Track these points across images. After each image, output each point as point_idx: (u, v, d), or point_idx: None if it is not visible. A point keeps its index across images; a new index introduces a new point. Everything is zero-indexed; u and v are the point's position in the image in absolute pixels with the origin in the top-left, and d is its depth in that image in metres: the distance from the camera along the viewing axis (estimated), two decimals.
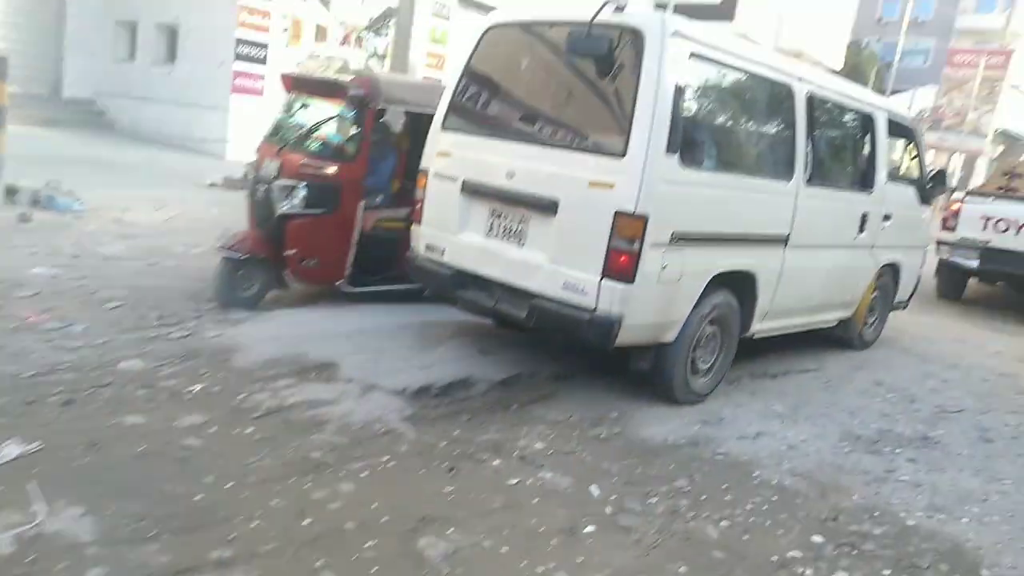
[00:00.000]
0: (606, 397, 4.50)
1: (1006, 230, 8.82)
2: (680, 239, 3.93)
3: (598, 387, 4.66)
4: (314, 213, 5.10)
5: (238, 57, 11.40)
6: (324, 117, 5.38)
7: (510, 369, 4.61)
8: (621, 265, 3.76)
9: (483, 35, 4.54)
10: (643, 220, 3.71)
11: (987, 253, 8.89)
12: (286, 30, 12.32)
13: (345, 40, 13.34)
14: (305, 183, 5.05)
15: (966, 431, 4.75)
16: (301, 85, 5.68)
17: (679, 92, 3.77)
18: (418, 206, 4.70)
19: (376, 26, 13.71)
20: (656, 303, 3.97)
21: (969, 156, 32.14)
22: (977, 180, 32.43)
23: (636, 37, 3.77)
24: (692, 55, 3.89)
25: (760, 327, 4.89)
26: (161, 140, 12.80)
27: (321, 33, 12.89)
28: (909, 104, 32.01)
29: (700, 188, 4.05)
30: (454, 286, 4.46)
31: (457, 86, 4.59)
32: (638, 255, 3.74)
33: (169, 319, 4.83)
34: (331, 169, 5.13)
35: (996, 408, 5.27)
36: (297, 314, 5.26)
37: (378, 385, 4.13)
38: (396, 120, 6.03)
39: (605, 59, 3.83)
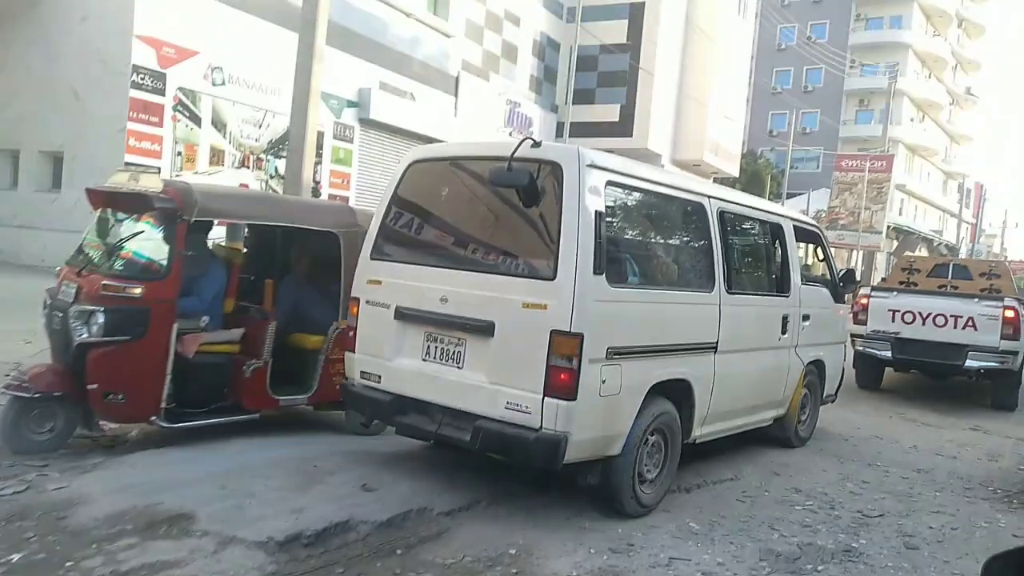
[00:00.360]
0: (506, 528, 4.06)
1: (912, 321, 9.25)
2: (616, 354, 4.02)
3: (499, 517, 4.23)
4: (118, 340, 4.52)
5: None
6: (130, 233, 4.91)
7: (397, 506, 4.11)
8: (562, 382, 3.81)
9: (406, 169, 4.69)
10: (579, 337, 3.80)
11: (898, 343, 9.30)
12: (179, 154, 12.01)
13: (244, 162, 13.10)
14: (104, 308, 4.48)
15: (889, 538, 4.47)
16: (107, 200, 5.18)
17: (600, 217, 3.95)
18: (351, 334, 4.70)
19: (276, 148, 13.56)
20: (600, 417, 4.01)
21: (867, 251, 33.90)
22: (879, 272, 34.14)
23: (555, 169, 3.99)
24: (608, 183, 4.12)
25: (701, 432, 4.97)
26: (45, 269, 12.10)
27: (217, 156, 12.64)
28: (806, 207, 33.94)
29: (628, 304, 4.19)
30: (393, 412, 4.43)
31: (384, 217, 4.70)
32: (577, 372, 3.80)
33: (5, 471, 4.19)
34: (136, 290, 4.58)
35: (917, 509, 5.04)
36: (160, 455, 4.67)
37: (238, 537, 3.58)
38: (235, 233, 5.72)
39: (528, 190, 4.00)
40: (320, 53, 9.19)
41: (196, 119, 12.29)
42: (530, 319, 3.91)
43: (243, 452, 4.78)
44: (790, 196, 39.16)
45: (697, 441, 5.00)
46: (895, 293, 9.78)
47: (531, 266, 4.07)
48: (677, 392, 4.61)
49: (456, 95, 18.89)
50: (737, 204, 5.47)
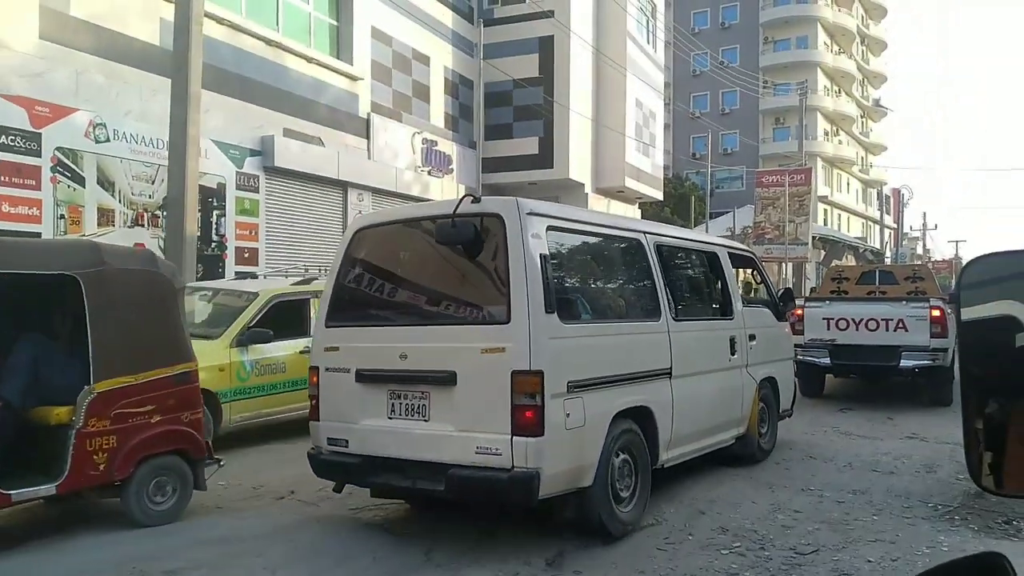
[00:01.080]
0: None
1: (847, 327, 9.57)
2: (576, 387, 4.17)
3: None
4: None
5: None
6: None
7: None
8: (527, 420, 3.92)
9: (351, 237, 4.85)
10: (539, 375, 3.94)
11: (835, 350, 9.63)
12: (62, 217, 11.16)
13: (138, 220, 12.30)
14: None
15: None
16: None
17: (544, 260, 4.13)
18: (313, 402, 4.74)
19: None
20: (568, 450, 4.11)
21: (796, 263, 34.37)
22: (810, 282, 34.64)
23: (497, 220, 4.17)
24: (549, 228, 4.32)
25: (668, 456, 5.09)
26: None
27: (107, 216, 11.82)
28: (732, 224, 34.34)
29: (582, 339, 4.37)
30: (364, 474, 4.49)
31: (335, 284, 4.79)
32: (542, 408, 3.92)
33: None
34: None
35: (854, 539, 4.59)
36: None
37: None
38: None
39: (473, 243, 4.20)
40: (196, 100, 8.63)
41: (79, 179, 11.45)
42: (490, 363, 4.03)
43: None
44: (716, 215, 39.74)
45: (665, 465, 5.08)
46: (828, 302, 10.09)
47: (486, 313, 4.24)
48: (640, 419, 4.74)
49: (368, 137, 18.38)
50: (673, 237, 5.77)
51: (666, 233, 5.74)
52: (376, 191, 18.32)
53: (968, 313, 1.07)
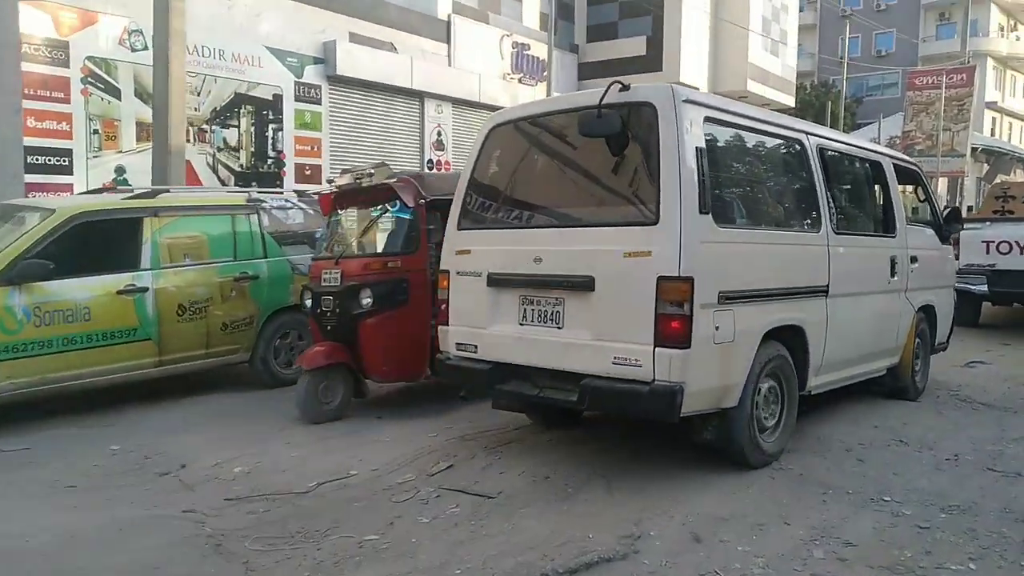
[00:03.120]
0: None
1: (1008, 251, 8.91)
2: (727, 298, 3.85)
3: None
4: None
5: (31, 169, 9.62)
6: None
7: None
8: (674, 330, 3.64)
9: (487, 135, 4.64)
10: (689, 281, 3.64)
11: (994, 276, 8.98)
12: (96, 132, 10.56)
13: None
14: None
15: None
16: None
17: (701, 154, 3.79)
18: (443, 307, 4.62)
19: (222, 116, 12.00)
20: (714, 366, 3.83)
21: (951, 178, 30.21)
22: (967, 200, 30.47)
23: (649, 110, 3.83)
24: (707, 119, 3.95)
25: (816, 382, 4.77)
26: None
27: (146, 131, 11.13)
28: (876, 135, 30.40)
29: (737, 245, 4.00)
30: (493, 381, 4.31)
31: (468, 186, 4.62)
32: (690, 318, 3.63)
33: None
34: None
35: None
36: None
37: None
38: None
39: (620, 135, 3.88)
40: None
41: (114, 91, 10.79)
42: (633, 268, 3.74)
43: None
44: (859, 126, 35.60)
45: (812, 392, 4.76)
46: (988, 223, 9.40)
47: (630, 213, 3.87)
48: (790, 339, 4.41)
49: (449, 42, 16.90)
50: (836, 141, 5.33)
51: (830, 136, 5.27)
52: (457, 102, 16.94)
53: None
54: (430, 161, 16.64)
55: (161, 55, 7.36)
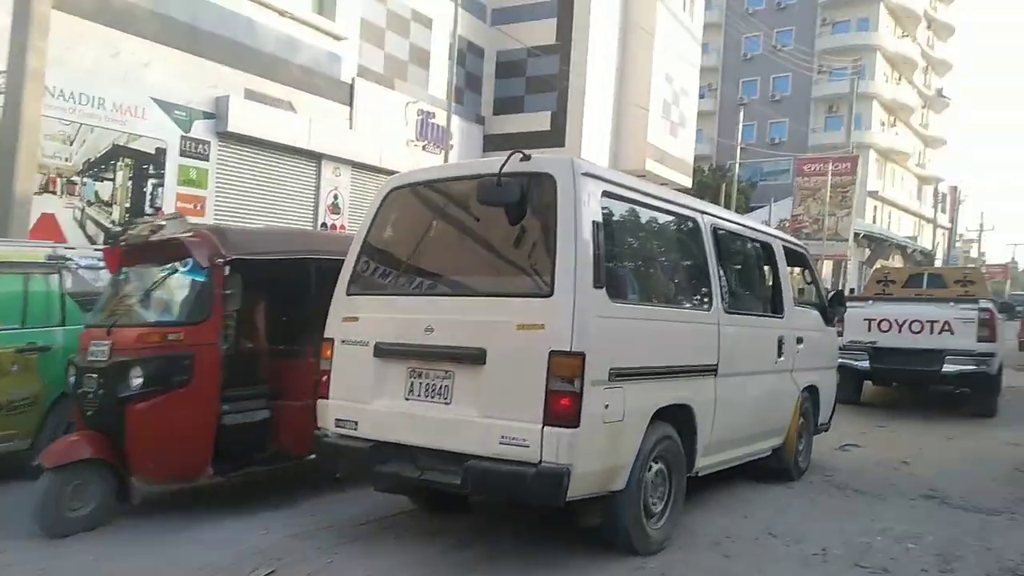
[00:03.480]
0: None
1: (889, 329, 9.23)
2: (618, 375, 3.78)
3: None
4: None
5: None
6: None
7: None
8: (563, 408, 3.53)
9: (384, 198, 4.53)
10: (580, 357, 3.56)
11: (875, 353, 9.25)
12: None
13: (49, 186, 10.79)
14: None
15: None
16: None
17: (597, 227, 3.76)
18: (323, 378, 4.39)
19: (96, 168, 11.30)
20: (603, 447, 3.73)
21: (836, 261, 31.84)
22: (850, 283, 32.04)
23: (548, 181, 3.82)
24: (604, 193, 3.95)
25: (704, 463, 4.75)
26: None
27: None
28: (767, 217, 31.84)
29: (629, 321, 3.95)
30: (372, 462, 4.05)
31: (361, 248, 4.48)
32: (580, 395, 3.54)
33: None
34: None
35: None
36: None
37: None
38: None
39: (519, 205, 3.82)
40: (41, 22, 6.92)
41: None
42: (526, 341, 3.66)
43: None
44: (756, 208, 37.25)
45: (700, 473, 4.75)
46: (870, 302, 9.76)
47: (525, 284, 3.86)
48: (678, 419, 4.37)
49: (351, 104, 16.69)
50: (729, 221, 5.36)
51: (724, 216, 5.35)
52: (357, 165, 16.65)
53: None
54: (324, 224, 16.19)
55: (13, 95, 6.78)
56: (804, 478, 6.30)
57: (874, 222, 46.86)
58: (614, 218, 4.17)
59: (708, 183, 39.90)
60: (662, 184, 26.39)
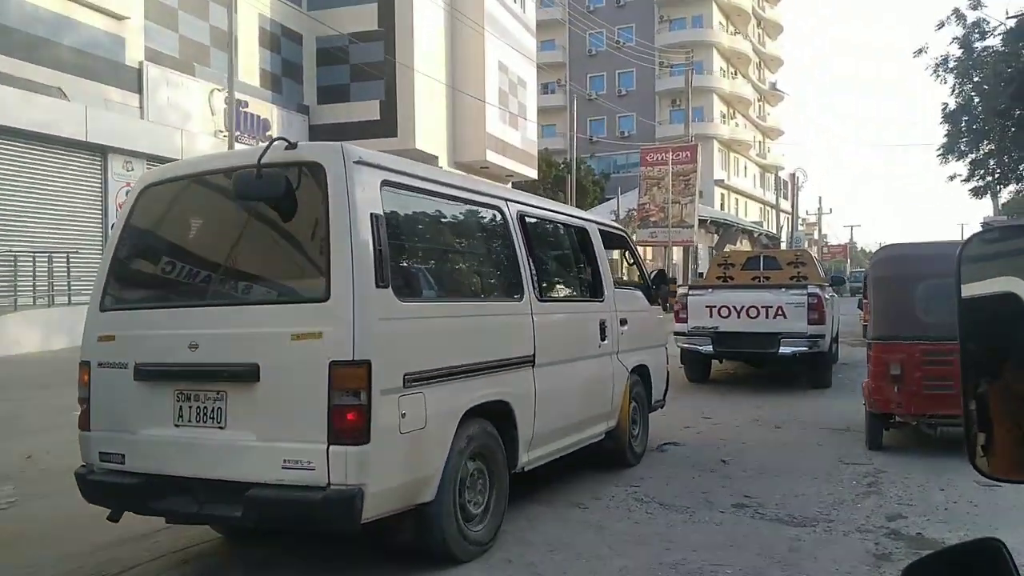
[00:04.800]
0: None
1: (728, 315, 9.67)
2: (414, 380, 3.45)
3: None
4: None
5: None
6: None
7: None
8: (349, 424, 3.18)
9: (137, 196, 3.96)
10: (365, 366, 3.20)
11: (718, 337, 9.72)
12: None
13: None
14: None
15: None
16: None
17: (378, 221, 3.40)
18: (83, 407, 3.83)
19: None
20: (403, 460, 3.40)
21: (685, 247, 32.48)
22: (703, 266, 32.77)
23: (317, 171, 3.42)
24: (385, 183, 3.59)
25: (529, 457, 4.44)
26: None
27: None
28: (616, 208, 32.08)
29: (425, 320, 3.68)
30: (145, 498, 3.54)
31: (114, 258, 3.90)
32: (368, 408, 3.19)
33: None
34: None
35: None
36: None
37: None
38: None
39: (284, 200, 3.41)
40: None
41: None
42: (303, 353, 3.25)
43: None
44: (608, 199, 37.64)
45: (526, 468, 4.44)
46: (710, 290, 10.28)
47: (299, 289, 3.54)
48: (496, 415, 4.07)
49: (141, 92, 14.98)
50: (538, 208, 5.22)
51: (531, 203, 5.14)
52: (155, 159, 14.90)
53: (968, 290, 0.97)
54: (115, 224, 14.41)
55: None
56: (607, 491, 5.43)
57: (722, 209, 48.62)
58: (401, 210, 3.82)
59: (563, 176, 40.07)
60: (508, 176, 25.90)
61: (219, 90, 16.89)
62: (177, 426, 3.54)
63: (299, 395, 3.26)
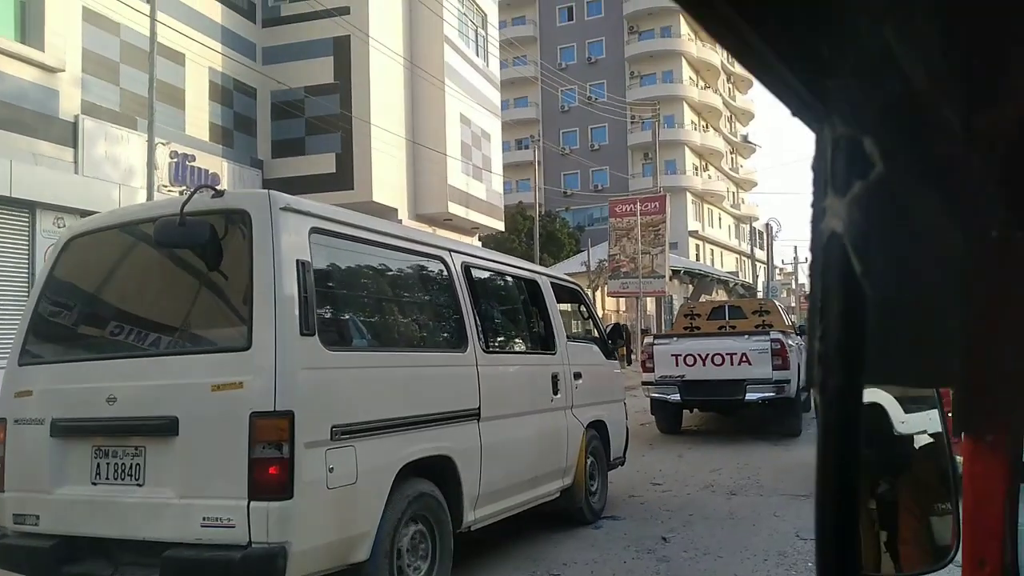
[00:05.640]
0: None
1: (694, 363, 9.73)
2: (345, 432, 3.37)
3: None
4: None
5: None
6: None
7: None
8: (271, 478, 3.09)
9: (62, 248, 3.97)
10: (288, 416, 3.12)
11: (684, 386, 9.78)
12: None
13: None
14: None
15: None
16: None
17: (304, 268, 3.36)
18: None
19: None
20: (331, 516, 3.30)
21: (658, 298, 31.96)
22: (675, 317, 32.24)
23: (242, 218, 3.41)
24: (314, 230, 3.55)
25: (476, 516, 4.31)
26: None
27: None
28: (587, 259, 31.62)
29: (356, 370, 3.61)
30: (59, 561, 3.45)
31: (34, 311, 3.90)
32: (291, 461, 3.09)
33: None
34: None
35: None
36: None
37: None
38: None
39: (208, 248, 3.36)
40: None
41: None
42: (223, 404, 3.18)
43: None
44: (577, 253, 37.24)
45: (473, 528, 4.32)
46: (675, 339, 10.40)
47: (220, 338, 3.49)
48: (438, 471, 3.98)
49: (76, 146, 14.33)
50: (484, 260, 5.21)
51: (476, 254, 5.17)
52: (89, 214, 14.19)
53: (867, 395, 0.81)
54: None
55: None
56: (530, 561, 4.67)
57: (697, 259, 48.40)
58: (333, 258, 3.79)
59: (542, 233, 39.79)
60: (473, 228, 25.35)
61: (163, 143, 16.27)
62: (94, 484, 3.48)
63: (219, 449, 3.18)
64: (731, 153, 61.04)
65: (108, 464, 3.45)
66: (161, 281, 3.83)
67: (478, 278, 4.84)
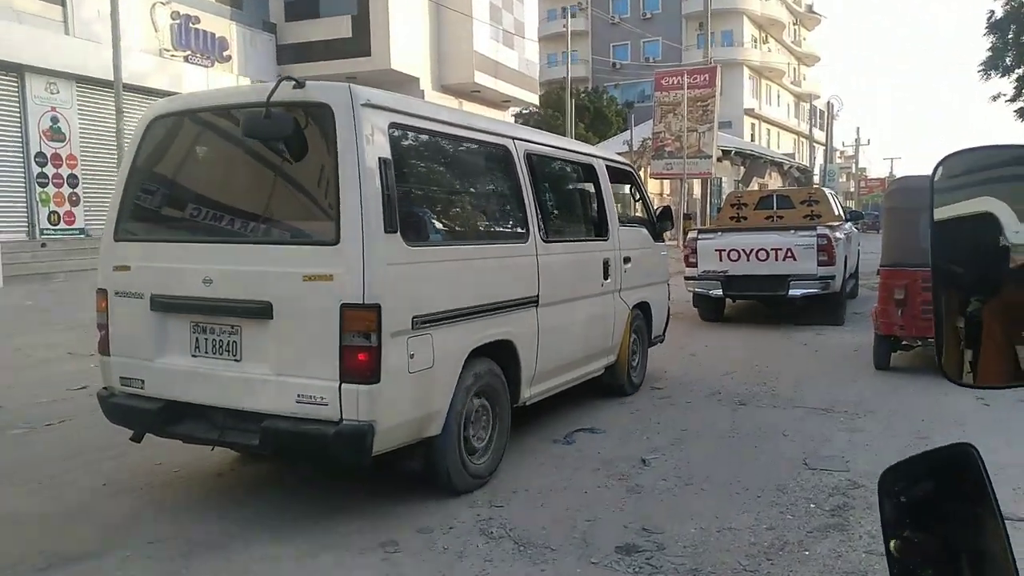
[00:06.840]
0: None
1: (738, 259, 9.66)
2: (424, 322, 3.57)
3: None
4: None
5: None
6: None
7: None
8: (360, 364, 3.30)
9: (146, 128, 3.99)
10: (375, 310, 3.29)
11: (727, 281, 9.77)
12: None
13: None
14: None
15: None
16: None
17: (385, 165, 3.44)
18: (102, 333, 3.98)
19: None
20: (411, 397, 3.54)
21: (703, 180, 30.20)
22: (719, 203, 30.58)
23: (324, 112, 3.41)
24: (393, 125, 3.61)
25: (531, 393, 4.59)
26: None
27: None
28: (629, 139, 29.79)
29: (432, 264, 3.74)
30: (164, 423, 3.71)
31: (125, 189, 3.98)
32: (378, 350, 3.30)
33: None
34: None
35: None
36: None
37: None
38: None
39: (293, 141, 3.45)
40: None
41: None
42: (315, 294, 3.33)
43: None
44: (623, 131, 35.34)
45: (528, 403, 4.57)
46: (719, 233, 10.25)
47: (309, 231, 3.58)
48: (500, 354, 4.20)
49: (64, 3, 13.30)
50: (545, 145, 5.16)
51: (538, 140, 5.07)
52: (84, 80, 13.38)
53: (941, 212, 1.01)
54: (41, 154, 12.95)
55: None
56: (446, 518, 3.86)
57: (752, 139, 45.87)
58: (408, 152, 3.86)
59: (586, 106, 37.71)
60: (505, 102, 23.85)
61: (162, 3, 15.12)
62: (194, 356, 3.65)
63: (311, 334, 3.33)
64: (794, 24, 56.65)
65: (206, 339, 3.65)
66: (248, 169, 3.90)
67: (538, 166, 4.86)
